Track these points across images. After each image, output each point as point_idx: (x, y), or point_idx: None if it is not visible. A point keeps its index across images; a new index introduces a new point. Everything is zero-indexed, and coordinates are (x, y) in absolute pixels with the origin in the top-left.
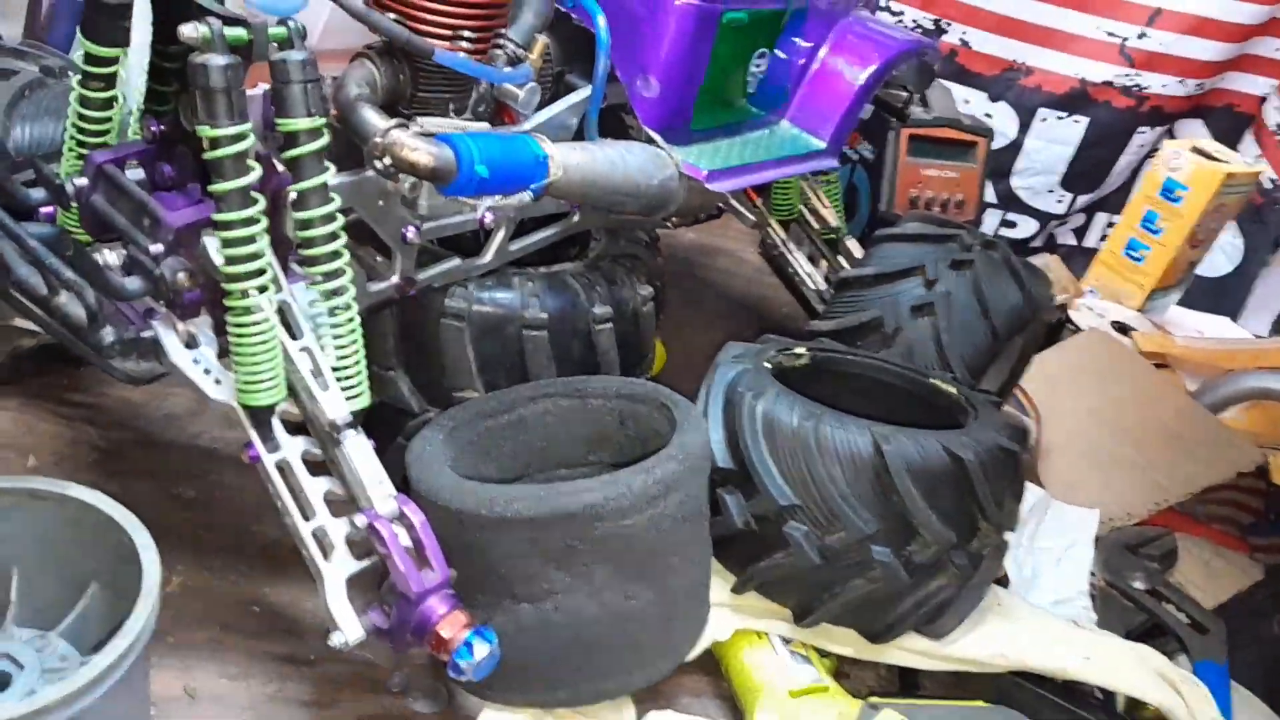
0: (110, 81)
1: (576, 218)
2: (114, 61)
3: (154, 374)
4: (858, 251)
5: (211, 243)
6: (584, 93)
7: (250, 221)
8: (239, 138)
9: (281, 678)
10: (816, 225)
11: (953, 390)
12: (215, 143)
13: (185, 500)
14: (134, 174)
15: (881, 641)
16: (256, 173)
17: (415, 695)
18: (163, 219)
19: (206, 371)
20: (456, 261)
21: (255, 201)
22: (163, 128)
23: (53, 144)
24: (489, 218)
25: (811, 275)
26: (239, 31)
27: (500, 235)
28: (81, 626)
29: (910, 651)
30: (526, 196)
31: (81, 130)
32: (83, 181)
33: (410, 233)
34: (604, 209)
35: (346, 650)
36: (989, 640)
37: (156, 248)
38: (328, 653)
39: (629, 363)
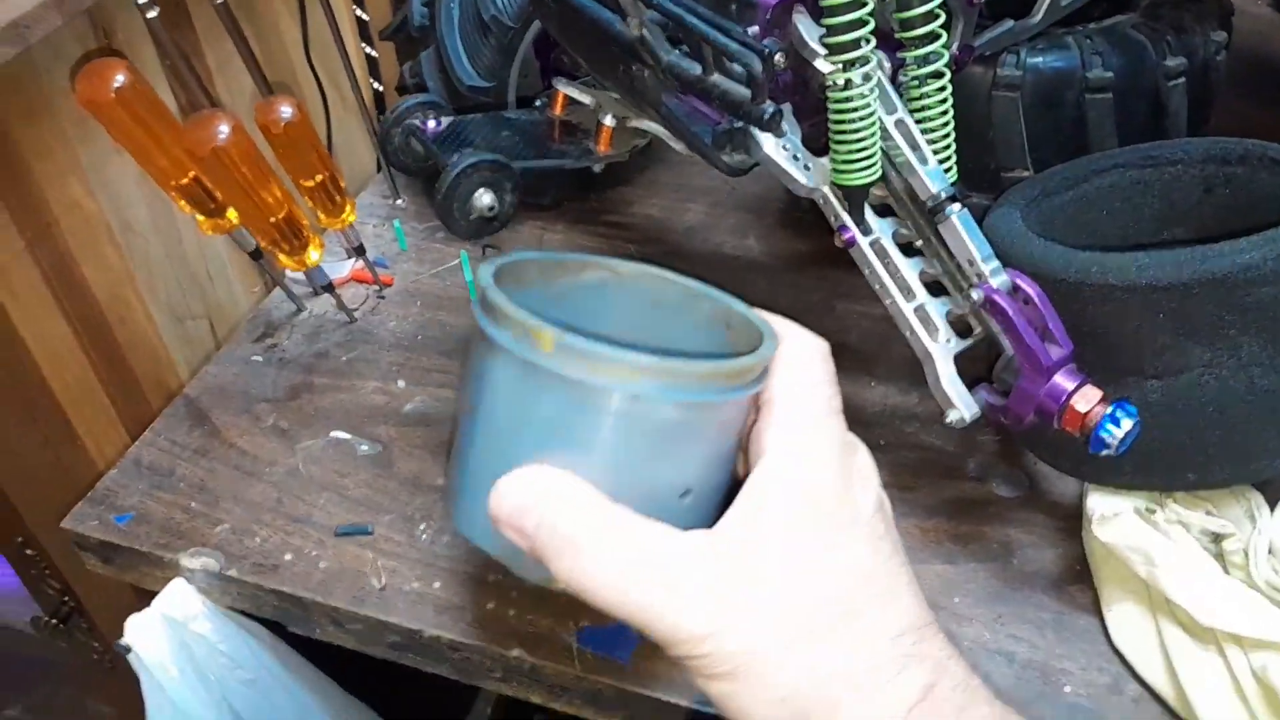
0: None
1: None
2: None
3: (747, 165)
4: None
5: (803, 20)
6: None
7: None
8: None
9: None
10: None
11: None
12: None
13: None
14: None
15: None
16: None
17: (995, 480)
18: None
19: (795, 158)
20: (1010, 23)
21: None
22: None
23: None
24: None
25: None
26: None
27: None
28: None
29: None
30: None
31: None
32: None
33: None
34: None
35: (961, 426)
36: None
37: (753, 29)
38: (896, 440)
39: (1195, 121)
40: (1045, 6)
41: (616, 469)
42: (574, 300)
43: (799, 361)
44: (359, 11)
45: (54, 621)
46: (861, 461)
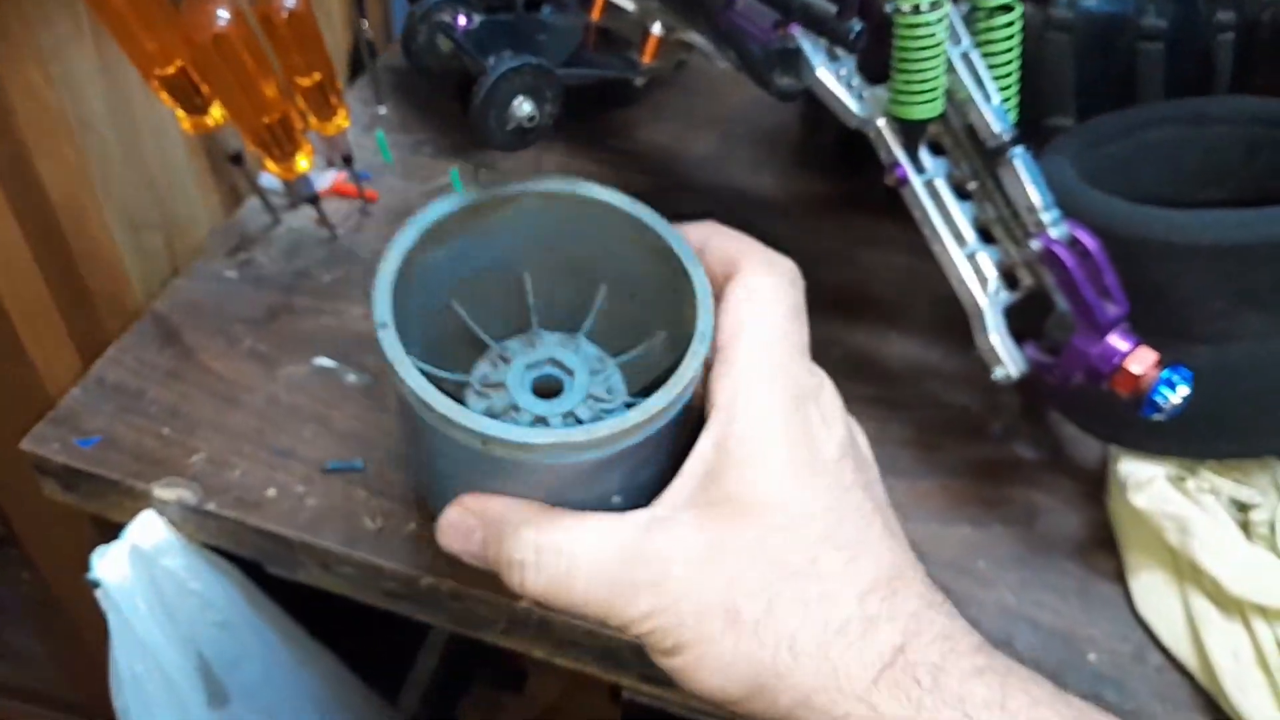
0: None
1: None
2: None
3: (797, 90)
4: None
5: None
6: None
7: None
8: None
9: (882, 419)
10: None
11: None
12: None
13: None
14: None
15: None
16: None
17: (1019, 441)
18: None
19: (849, 86)
20: None
21: None
22: None
23: None
24: None
25: None
26: None
27: None
28: (596, 330)
29: None
30: None
31: None
32: None
33: None
34: None
35: (1008, 384)
36: None
37: None
38: (918, 398)
39: (1239, 79)
40: None
41: (550, 497)
42: (509, 232)
43: (756, 297)
44: None
45: None
46: (825, 402)
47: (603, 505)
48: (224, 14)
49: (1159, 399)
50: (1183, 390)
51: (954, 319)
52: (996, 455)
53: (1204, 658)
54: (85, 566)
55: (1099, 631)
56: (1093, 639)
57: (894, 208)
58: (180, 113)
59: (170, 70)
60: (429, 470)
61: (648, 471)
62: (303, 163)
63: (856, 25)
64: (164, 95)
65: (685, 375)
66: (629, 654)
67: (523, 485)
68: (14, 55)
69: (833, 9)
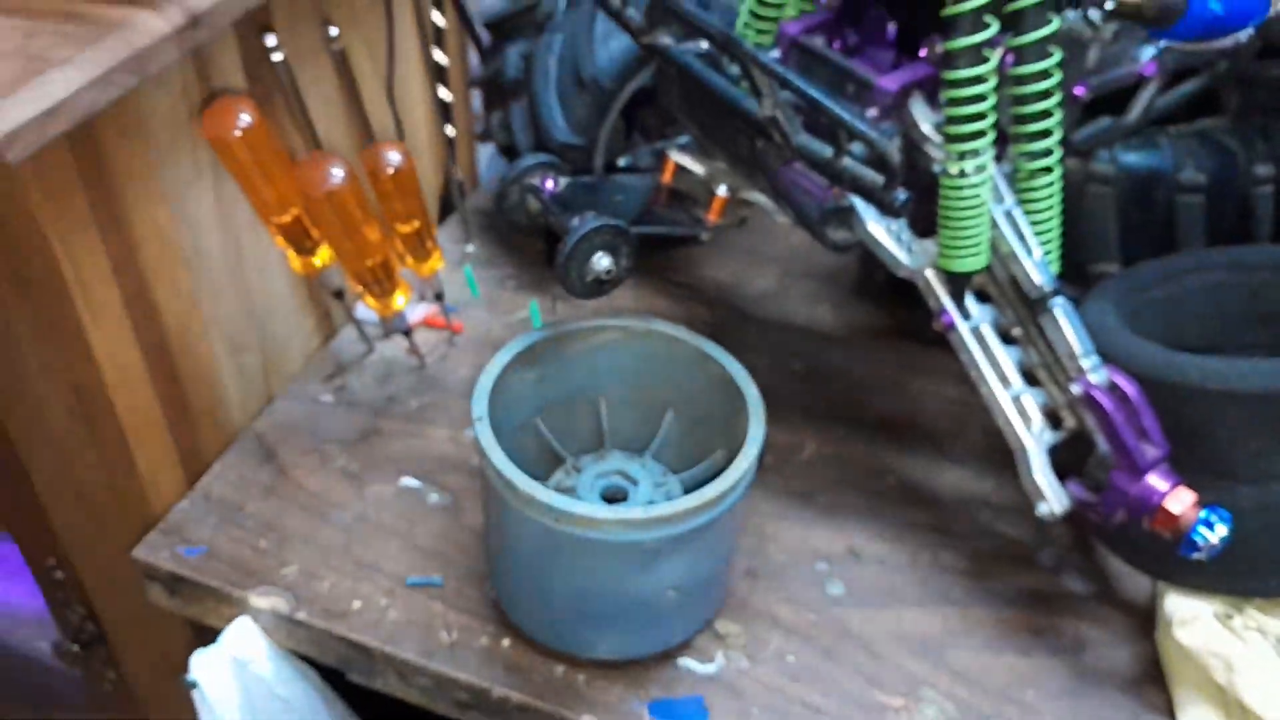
0: None
1: (1224, 66)
2: None
3: (851, 243)
4: None
5: (919, 107)
6: None
7: (979, 80)
8: None
9: (934, 546)
10: None
11: None
12: None
13: (796, 373)
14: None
15: None
16: (993, 29)
17: (1068, 573)
18: (878, 83)
19: (899, 239)
20: (1107, 121)
21: (985, 60)
22: None
23: None
24: (1152, 69)
25: None
26: None
27: (1151, 90)
28: (662, 450)
29: None
30: (1242, 37)
31: (762, 3)
32: (776, 54)
33: (1080, 90)
34: None
35: (1052, 520)
36: None
37: (872, 112)
38: (970, 528)
39: (1278, 227)
40: (1142, 106)
41: (612, 583)
42: (589, 361)
43: None
44: (439, 55)
45: (75, 648)
46: None
47: (659, 599)
48: (338, 173)
49: (1198, 538)
50: (1221, 530)
51: (1005, 450)
52: (1047, 586)
53: None
54: (173, 667)
55: None
56: None
57: (945, 340)
58: (291, 253)
59: (287, 219)
60: (505, 559)
61: (702, 568)
62: (400, 300)
63: (901, 195)
64: (279, 239)
65: (737, 470)
66: None
67: (588, 569)
68: (144, 196)
69: (880, 179)
